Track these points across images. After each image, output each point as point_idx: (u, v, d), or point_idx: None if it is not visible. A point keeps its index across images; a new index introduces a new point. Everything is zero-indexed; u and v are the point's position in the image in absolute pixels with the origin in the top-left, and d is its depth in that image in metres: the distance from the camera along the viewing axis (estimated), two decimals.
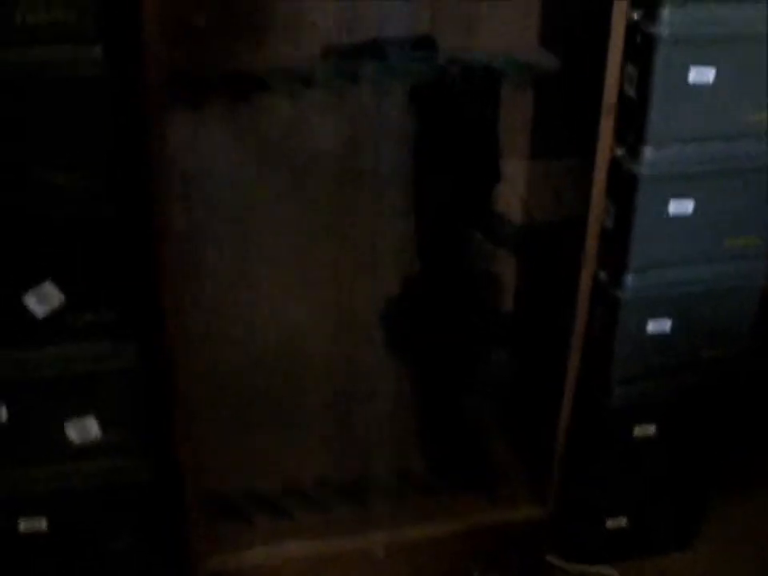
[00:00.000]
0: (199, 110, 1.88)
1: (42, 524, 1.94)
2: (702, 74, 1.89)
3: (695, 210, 2.01)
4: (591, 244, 1.94)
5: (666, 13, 1.83)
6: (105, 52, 1.62)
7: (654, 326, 2.11)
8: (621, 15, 1.77)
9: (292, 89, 1.87)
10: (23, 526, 1.92)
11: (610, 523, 2.33)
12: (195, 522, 2.00)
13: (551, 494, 2.18)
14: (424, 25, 1.94)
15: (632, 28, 1.86)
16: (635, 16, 1.85)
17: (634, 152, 1.95)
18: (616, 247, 2.02)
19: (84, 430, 1.88)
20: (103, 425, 1.89)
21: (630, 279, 2.05)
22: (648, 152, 1.94)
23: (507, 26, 2.03)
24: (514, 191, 2.17)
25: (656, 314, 2.10)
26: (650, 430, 2.22)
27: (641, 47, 1.86)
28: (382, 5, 1.91)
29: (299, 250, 2.14)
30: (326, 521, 2.15)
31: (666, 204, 2.00)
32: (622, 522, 2.34)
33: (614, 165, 1.98)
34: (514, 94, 2.04)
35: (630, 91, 1.92)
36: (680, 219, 2.02)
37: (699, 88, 1.90)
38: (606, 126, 1.85)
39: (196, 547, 2.02)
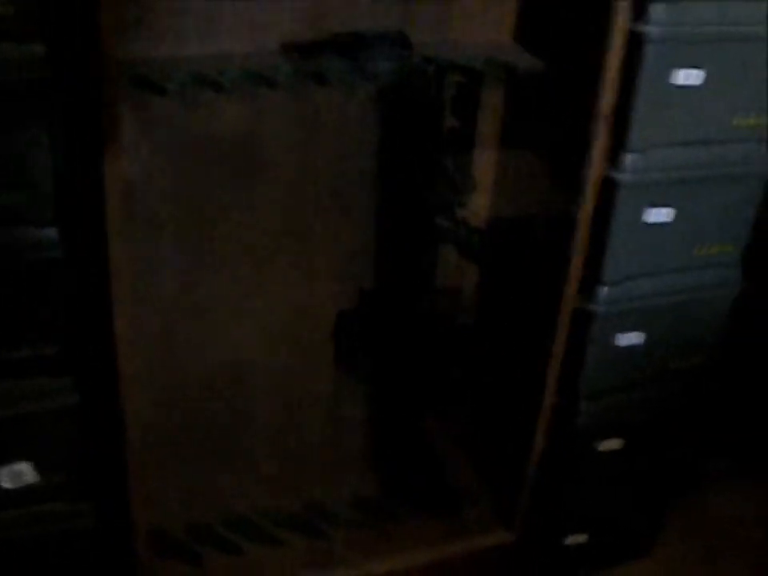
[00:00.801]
0: (145, 114, 1.68)
1: None
2: (689, 76, 1.79)
3: (673, 218, 1.91)
4: (577, 258, 1.81)
5: (655, 10, 1.71)
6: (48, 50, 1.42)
7: (624, 339, 2.01)
8: (623, 14, 1.63)
9: (248, 90, 1.68)
10: None
11: (570, 540, 2.25)
12: (145, 566, 1.82)
13: (519, 517, 2.07)
14: (394, 20, 1.77)
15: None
16: None
17: (614, 158, 1.83)
18: (589, 258, 1.90)
19: (18, 474, 1.68)
20: (40, 468, 1.70)
21: (603, 291, 1.95)
22: (629, 158, 1.84)
23: (481, 22, 1.87)
24: (481, 187, 2.03)
25: (628, 327, 2.00)
26: (616, 444, 2.13)
27: (627, 47, 1.73)
28: None
29: (249, 264, 1.96)
30: (279, 556, 1.99)
31: (644, 212, 1.89)
32: (582, 537, 2.26)
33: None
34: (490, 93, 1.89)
35: None
36: (656, 228, 1.92)
37: (686, 91, 1.80)
38: (601, 132, 1.72)
39: None
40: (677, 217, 1.92)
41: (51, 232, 1.53)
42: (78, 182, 1.55)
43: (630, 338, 2.02)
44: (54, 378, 1.65)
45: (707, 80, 1.79)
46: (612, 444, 2.12)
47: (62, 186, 1.53)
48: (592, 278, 1.93)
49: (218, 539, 2.01)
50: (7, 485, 1.70)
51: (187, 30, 1.69)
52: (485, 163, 2.02)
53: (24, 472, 1.71)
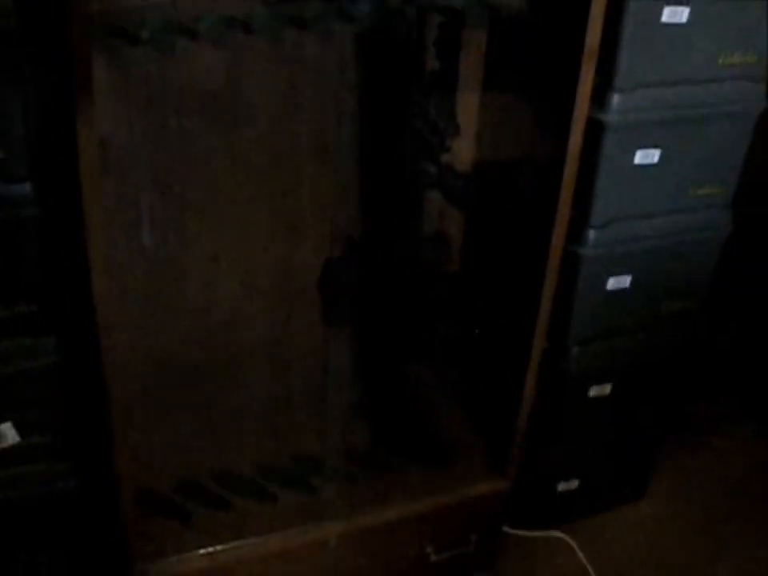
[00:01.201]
0: (117, 64, 1.63)
1: None
2: (675, 14, 1.75)
3: (661, 159, 1.88)
4: (565, 201, 1.75)
5: None
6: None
7: (614, 283, 1.99)
8: None
9: (225, 37, 1.63)
10: None
11: (562, 486, 2.24)
12: (134, 525, 1.79)
13: (511, 465, 2.05)
14: None
15: None
16: None
17: (600, 98, 1.79)
18: (577, 200, 1.85)
19: None
20: (22, 429, 1.66)
21: (591, 235, 1.92)
22: (616, 98, 1.80)
23: None
24: (465, 131, 1.98)
25: (617, 271, 1.98)
26: (606, 389, 2.11)
27: None
28: None
29: (232, 215, 1.91)
30: (270, 511, 1.95)
31: (631, 153, 1.86)
32: (574, 484, 2.25)
33: None
34: (472, 33, 1.84)
35: None
36: (645, 169, 1.89)
37: (671, 28, 1.76)
38: (587, 71, 1.64)
39: (135, 553, 1.81)
40: (665, 158, 1.89)
41: (25, 188, 1.50)
42: (51, 136, 1.50)
43: (619, 282, 1.99)
44: (34, 338, 1.62)
45: (693, 16, 1.76)
46: (602, 389, 2.10)
47: (36, 140, 1.49)
48: (580, 221, 1.91)
49: (206, 495, 1.96)
50: None
51: None
52: (469, 106, 1.97)
53: (5, 433, 1.68)
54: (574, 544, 2.24)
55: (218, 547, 1.88)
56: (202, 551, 1.87)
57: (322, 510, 1.97)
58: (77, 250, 1.56)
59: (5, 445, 1.67)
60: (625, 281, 1.99)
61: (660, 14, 1.73)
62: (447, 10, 1.75)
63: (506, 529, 2.20)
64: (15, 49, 1.40)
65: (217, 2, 1.65)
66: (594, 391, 2.10)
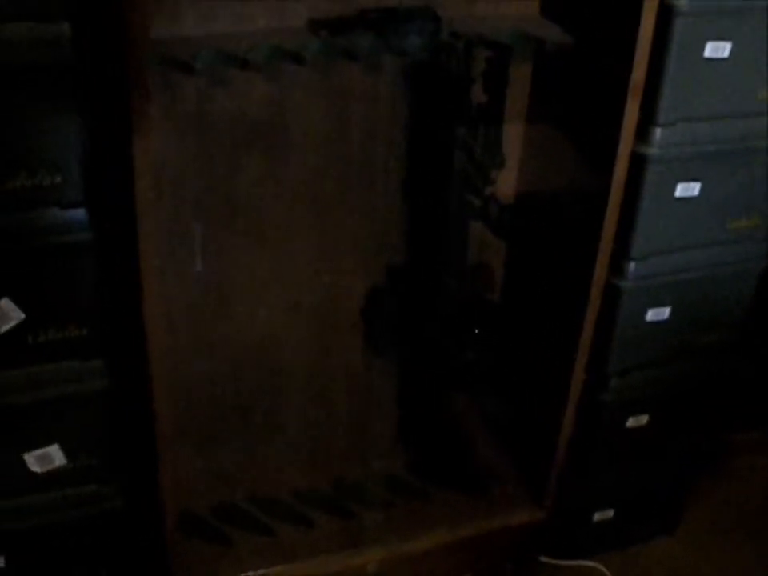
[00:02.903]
0: (172, 93, 1.66)
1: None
2: (717, 49, 1.77)
3: (701, 192, 1.90)
4: (608, 233, 1.79)
5: None
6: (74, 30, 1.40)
7: (653, 315, 2.00)
8: None
9: (277, 67, 1.66)
10: None
11: (598, 516, 2.25)
12: (175, 548, 1.81)
13: (550, 495, 2.06)
14: None
15: None
16: None
17: (643, 132, 1.81)
18: (617, 233, 1.88)
19: (46, 458, 1.68)
20: (69, 451, 1.69)
21: (632, 267, 1.93)
22: (658, 132, 1.82)
23: None
24: (509, 163, 1.99)
25: (656, 303, 1.99)
26: (643, 420, 2.12)
27: (656, 20, 1.71)
28: None
29: (278, 245, 1.94)
30: (310, 537, 1.98)
31: (672, 186, 1.87)
32: (609, 513, 2.26)
33: None
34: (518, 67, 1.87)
35: None
36: (685, 202, 1.90)
37: (714, 64, 1.78)
38: (632, 107, 1.69)
39: (177, 574, 1.83)
40: (705, 191, 1.90)
41: (80, 213, 1.53)
42: (107, 162, 1.53)
43: (658, 314, 2.00)
44: (84, 361, 1.65)
45: (734, 52, 1.77)
46: (640, 420, 2.11)
47: (92, 167, 1.52)
48: (621, 253, 1.92)
49: (247, 520, 2.00)
50: (36, 468, 1.70)
51: (214, 8, 1.66)
52: (513, 138, 1.99)
53: (53, 455, 1.70)
54: (609, 574, 2.25)
55: (258, 572, 1.92)
56: (241, 575, 1.90)
57: (362, 536, 1.99)
58: (128, 274, 1.59)
59: (52, 467, 1.70)
60: (663, 312, 2.01)
61: (703, 49, 1.75)
62: (495, 45, 1.78)
63: (542, 558, 2.22)
64: (72, 77, 1.43)
65: (269, 34, 1.70)
66: (631, 422, 2.11)
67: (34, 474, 1.69)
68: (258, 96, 1.77)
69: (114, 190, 1.54)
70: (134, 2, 1.38)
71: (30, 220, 1.50)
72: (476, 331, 2.09)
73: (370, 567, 1.96)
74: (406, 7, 1.70)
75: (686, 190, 1.89)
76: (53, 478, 1.70)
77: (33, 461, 1.68)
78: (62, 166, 1.48)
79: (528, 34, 1.78)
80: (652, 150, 1.82)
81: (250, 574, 1.90)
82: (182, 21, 1.65)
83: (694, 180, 1.88)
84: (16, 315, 1.55)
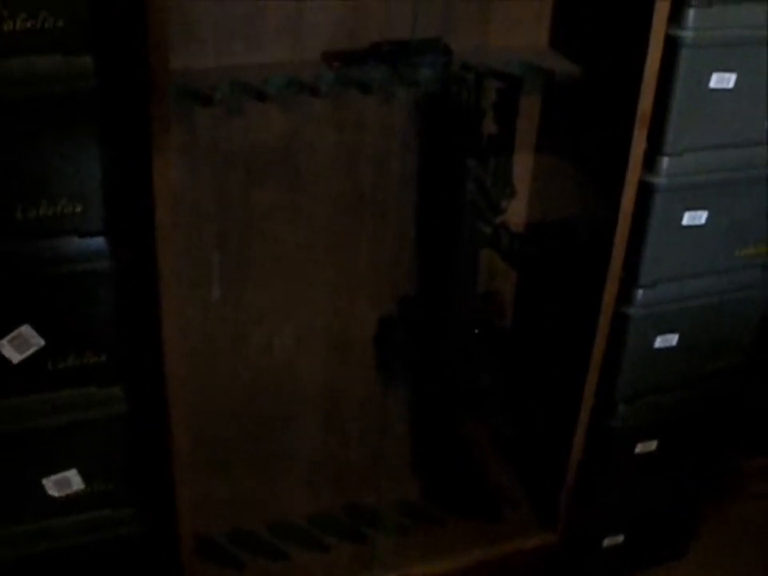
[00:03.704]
0: (190, 124, 1.70)
1: None
2: (722, 80, 1.80)
3: (708, 220, 1.93)
4: (617, 260, 1.83)
5: (691, 14, 1.72)
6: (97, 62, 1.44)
7: (661, 341, 2.02)
8: (661, 18, 1.64)
9: (291, 98, 1.70)
10: None
11: (607, 542, 2.26)
12: (191, 572, 1.83)
13: (561, 520, 2.08)
14: (434, 28, 1.79)
15: None
16: None
17: (650, 162, 1.84)
18: (626, 261, 1.91)
19: (64, 482, 1.70)
20: (86, 475, 1.71)
21: (640, 294, 1.96)
22: (665, 162, 1.85)
23: (519, 28, 1.89)
24: (519, 192, 2.01)
25: (664, 329, 2.01)
26: (652, 445, 2.14)
27: (662, 52, 1.75)
28: (386, 5, 1.76)
29: (292, 273, 1.97)
30: (323, 561, 2.00)
31: (680, 215, 1.90)
32: (619, 539, 2.27)
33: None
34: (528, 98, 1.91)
35: None
36: (692, 230, 1.93)
37: (719, 94, 1.81)
38: (639, 136, 1.73)
39: None
40: (712, 219, 1.93)
41: (100, 242, 1.56)
42: (127, 192, 1.56)
43: (666, 340, 2.02)
44: (102, 387, 1.68)
45: (739, 83, 1.81)
46: (649, 446, 2.13)
47: (112, 196, 1.55)
48: (629, 281, 1.94)
49: (262, 545, 2.02)
50: (54, 493, 1.73)
51: (231, 41, 1.70)
52: (523, 168, 2.03)
53: (70, 480, 1.73)
54: None
55: None
56: None
57: (375, 561, 2.01)
58: (147, 302, 1.62)
59: (70, 491, 1.73)
60: (672, 339, 2.03)
61: (708, 80, 1.79)
62: (505, 76, 1.82)
63: None
64: (94, 108, 1.47)
65: (284, 66, 1.74)
66: (640, 447, 2.12)
67: (52, 498, 1.71)
68: (273, 127, 1.81)
69: (133, 220, 1.58)
70: (155, 35, 1.42)
71: (50, 248, 1.54)
72: (490, 359, 2.12)
73: None
74: (417, 40, 1.74)
75: (693, 218, 1.92)
76: (70, 502, 1.73)
77: (51, 485, 1.70)
78: (83, 195, 1.51)
79: (537, 66, 1.82)
80: (659, 179, 1.85)
81: None
82: (201, 53, 1.69)
83: (701, 208, 1.91)
84: (36, 342, 1.58)
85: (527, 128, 2.00)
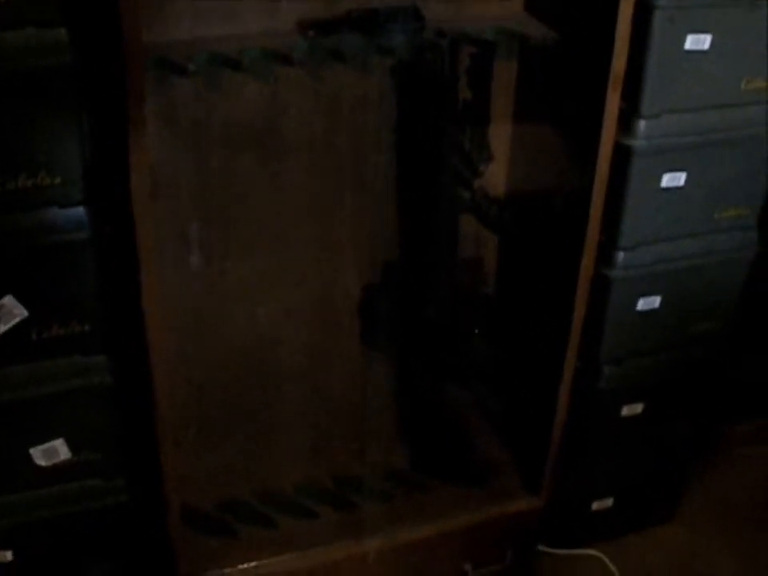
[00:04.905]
0: (165, 94, 1.71)
1: (6, 556, 1.79)
2: (698, 41, 1.81)
3: (687, 182, 1.94)
4: (594, 222, 1.83)
5: None
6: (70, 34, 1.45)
7: (643, 304, 2.03)
8: None
9: (267, 68, 1.71)
10: None
11: (596, 505, 2.28)
12: (179, 540, 1.86)
13: (546, 483, 2.10)
14: None
15: None
16: None
17: (627, 124, 1.85)
18: (606, 224, 1.92)
19: (52, 452, 1.72)
20: (73, 445, 1.74)
21: (620, 257, 1.97)
22: (642, 124, 1.86)
23: None
24: (498, 158, 2.06)
25: (646, 292, 2.02)
26: (638, 408, 2.16)
27: (637, 14, 1.76)
28: None
29: (274, 242, 1.99)
30: (312, 528, 2.03)
31: (658, 177, 1.91)
32: (608, 502, 2.29)
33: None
34: (503, 64, 1.92)
35: None
36: (671, 192, 1.94)
37: (695, 56, 1.82)
38: (613, 98, 1.73)
39: (182, 568, 1.88)
40: (691, 181, 1.93)
41: (80, 212, 1.58)
42: (105, 163, 1.58)
43: (649, 303, 2.04)
44: (87, 357, 1.70)
45: (715, 44, 1.81)
46: (634, 408, 2.15)
47: (91, 167, 1.57)
48: (609, 244, 1.96)
49: (250, 513, 2.05)
50: (41, 462, 1.75)
51: (206, 12, 1.71)
52: (501, 134, 2.04)
53: (58, 449, 1.75)
54: (608, 562, 2.27)
55: (262, 562, 1.96)
56: (246, 566, 1.95)
57: (362, 527, 2.03)
58: (128, 272, 1.64)
59: (57, 461, 1.75)
60: (654, 301, 2.04)
61: (683, 41, 1.79)
62: (479, 42, 1.83)
63: (541, 547, 2.25)
64: (70, 80, 1.48)
65: (259, 36, 1.75)
66: (626, 410, 2.14)
67: (40, 467, 1.74)
68: (250, 98, 1.82)
69: (113, 190, 1.59)
70: (128, 6, 1.43)
71: (31, 219, 1.55)
72: (475, 326, 2.14)
73: (370, 556, 2.01)
74: (390, 7, 1.75)
75: (672, 180, 1.93)
76: (58, 472, 1.75)
77: (39, 455, 1.72)
78: (62, 166, 1.53)
79: (511, 31, 1.82)
80: (637, 142, 1.86)
81: (253, 564, 1.94)
82: (175, 24, 1.71)
83: (680, 170, 1.92)
84: (19, 312, 1.60)
85: (505, 95, 2.01)
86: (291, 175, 1.94)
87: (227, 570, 1.93)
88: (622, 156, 1.87)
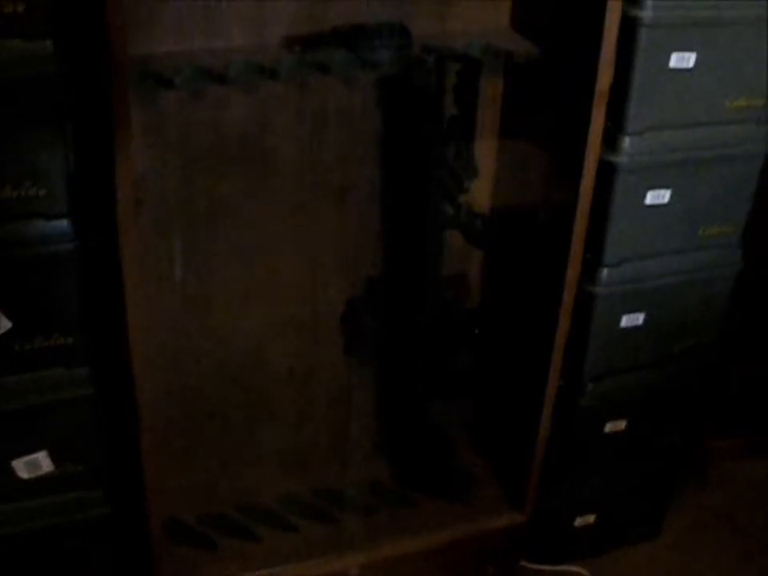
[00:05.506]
0: (151, 107, 1.71)
1: None
2: (682, 60, 1.82)
3: (671, 199, 1.95)
4: (578, 239, 1.84)
5: None
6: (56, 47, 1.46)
7: (627, 321, 2.04)
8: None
9: (252, 81, 1.71)
10: None
11: (579, 521, 2.28)
12: (161, 553, 1.85)
13: (529, 499, 2.10)
14: (393, 12, 1.80)
15: None
16: None
17: (612, 141, 1.86)
18: (590, 240, 1.93)
19: (34, 464, 1.72)
20: (56, 457, 1.73)
21: (604, 273, 1.98)
22: (627, 141, 1.87)
23: (479, 10, 1.90)
24: (483, 174, 2.05)
25: (630, 309, 2.03)
26: (621, 425, 2.16)
27: (622, 32, 1.76)
28: None
29: (259, 255, 1.99)
30: (294, 542, 2.02)
31: (642, 194, 1.92)
32: (590, 518, 2.29)
33: None
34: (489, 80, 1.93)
35: None
36: (656, 209, 1.95)
37: (679, 74, 1.83)
38: (598, 115, 1.75)
39: None
40: (675, 198, 1.95)
41: (64, 224, 1.58)
42: (90, 175, 1.58)
43: (632, 320, 2.05)
44: (70, 369, 1.69)
45: (699, 63, 1.83)
46: (617, 425, 2.15)
47: (75, 179, 1.57)
48: (593, 260, 1.96)
49: (232, 526, 2.04)
50: (24, 474, 1.74)
51: (192, 26, 1.72)
52: (486, 150, 2.05)
53: (40, 462, 1.74)
54: None
55: (243, 575, 1.95)
56: None
57: (344, 541, 2.03)
58: (111, 284, 1.63)
59: (40, 473, 1.74)
60: (638, 318, 2.05)
61: (668, 59, 1.80)
62: (465, 58, 1.84)
63: (523, 563, 2.24)
64: (56, 91, 1.48)
65: (245, 50, 1.76)
66: (609, 427, 2.15)
67: (22, 480, 1.73)
68: (236, 112, 1.83)
69: (97, 202, 1.60)
70: (114, 19, 1.43)
71: (14, 231, 1.55)
72: (458, 339, 2.14)
73: (351, 571, 2.01)
74: (376, 23, 1.76)
75: (657, 197, 1.94)
76: (40, 484, 1.74)
77: (21, 467, 1.72)
78: (46, 178, 1.53)
79: (496, 48, 1.84)
80: (621, 159, 1.87)
81: None
82: (161, 38, 1.71)
83: (664, 187, 1.93)
84: (3, 324, 1.60)
85: (491, 111, 2.02)
86: (276, 188, 1.94)
87: None
88: (607, 172, 1.88)
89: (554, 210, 1.94)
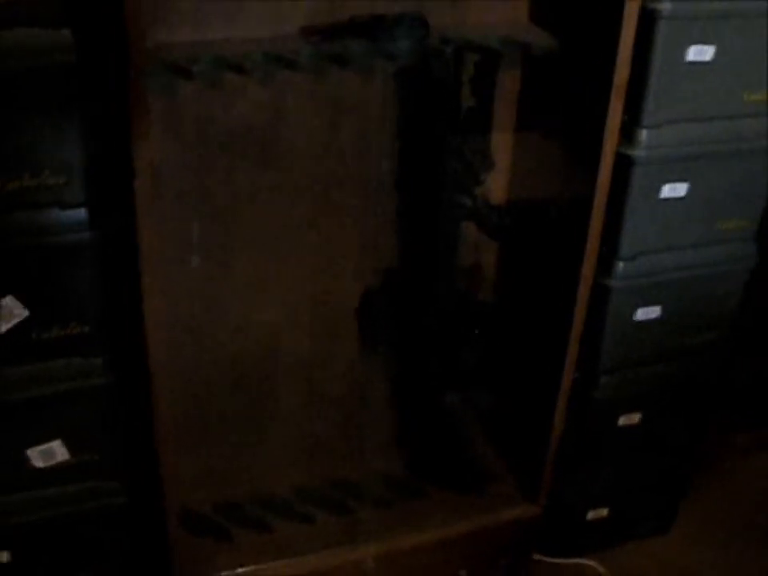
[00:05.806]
0: (169, 97, 1.71)
1: (3, 557, 1.78)
2: (700, 53, 1.82)
3: (688, 193, 1.95)
4: (594, 232, 1.84)
5: None
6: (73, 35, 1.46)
7: (642, 314, 2.04)
8: None
9: (271, 72, 1.71)
10: None
11: (591, 514, 2.28)
12: (177, 543, 1.86)
13: (543, 491, 2.10)
14: (412, 2, 1.80)
15: None
16: None
17: (629, 134, 1.86)
18: (606, 233, 1.92)
19: (49, 453, 1.72)
20: (71, 447, 1.74)
21: (620, 266, 1.98)
22: (644, 134, 1.86)
23: (497, 2, 1.90)
24: (499, 165, 2.05)
25: (645, 302, 2.03)
26: (635, 418, 2.16)
27: (640, 25, 1.76)
28: None
29: (275, 246, 1.99)
30: (309, 533, 2.03)
31: (659, 187, 1.92)
32: (603, 512, 2.29)
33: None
34: (507, 72, 1.93)
35: None
36: (672, 203, 1.94)
37: (697, 67, 1.83)
38: (615, 108, 1.74)
39: (178, 570, 1.87)
40: (692, 192, 1.94)
41: (82, 214, 1.58)
42: (108, 164, 1.58)
43: (648, 313, 2.05)
44: (86, 358, 1.70)
45: (718, 55, 1.82)
46: (631, 418, 2.15)
47: (93, 168, 1.57)
48: (609, 253, 1.96)
49: (247, 517, 2.05)
50: (39, 463, 1.75)
51: (210, 15, 1.72)
52: (503, 142, 2.05)
53: (55, 451, 1.75)
54: (604, 572, 2.28)
55: (258, 566, 1.97)
56: (242, 570, 1.95)
57: (359, 532, 2.04)
58: (129, 274, 1.64)
59: (55, 462, 1.75)
60: (653, 312, 2.05)
61: (686, 52, 1.80)
62: (483, 50, 1.84)
63: (536, 556, 2.25)
64: (74, 80, 1.49)
65: (264, 41, 1.76)
66: (623, 420, 2.14)
67: (38, 469, 1.74)
68: (253, 101, 1.82)
69: (115, 191, 1.60)
70: (132, 9, 1.43)
71: (33, 219, 1.56)
72: (475, 332, 2.14)
73: (366, 562, 2.01)
74: (395, 14, 1.76)
75: (673, 190, 1.94)
76: (56, 473, 1.75)
77: (36, 456, 1.72)
78: (65, 167, 1.53)
79: (515, 40, 1.83)
80: (638, 152, 1.87)
81: (249, 569, 1.95)
82: (179, 27, 1.70)
83: (681, 181, 1.93)
84: (19, 313, 1.60)
85: (508, 103, 2.02)
86: (293, 179, 1.94)
87: (223, 574, 1.93)
88: (623, 166, 1.87)
89: (570, 202, 1.93)
